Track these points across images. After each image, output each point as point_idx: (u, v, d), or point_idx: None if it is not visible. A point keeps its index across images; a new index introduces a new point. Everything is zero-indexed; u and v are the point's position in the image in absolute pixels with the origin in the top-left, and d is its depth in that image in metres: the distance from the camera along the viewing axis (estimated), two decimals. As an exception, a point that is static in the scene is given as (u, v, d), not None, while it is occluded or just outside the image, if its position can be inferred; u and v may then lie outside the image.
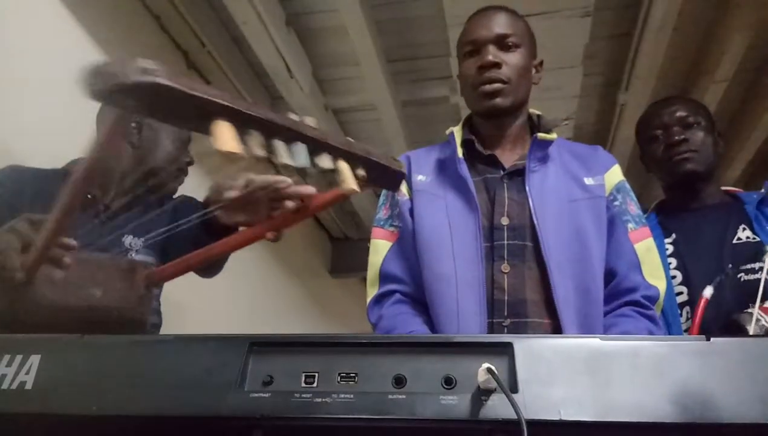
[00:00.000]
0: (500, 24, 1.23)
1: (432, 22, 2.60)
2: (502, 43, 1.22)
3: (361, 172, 0.72)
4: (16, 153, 1.52)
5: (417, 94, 3.07)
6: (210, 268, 1.38)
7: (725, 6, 2.53)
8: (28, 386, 0.60)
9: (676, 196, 1.62)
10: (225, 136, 0.59)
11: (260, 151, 0.63)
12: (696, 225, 1.51)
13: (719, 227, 1.48)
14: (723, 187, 1.62)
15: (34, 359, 0.62)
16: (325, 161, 0.69)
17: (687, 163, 1.52)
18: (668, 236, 1.53)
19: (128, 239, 1.35)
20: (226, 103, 0.60)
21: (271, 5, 2.38)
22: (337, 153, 0.70)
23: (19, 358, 0.62)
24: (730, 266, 1.38)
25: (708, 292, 1.24)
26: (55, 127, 1.59)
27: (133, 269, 0.87)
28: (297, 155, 0.66)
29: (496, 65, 1.20)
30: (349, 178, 0.70)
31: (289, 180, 0.88)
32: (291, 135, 0.66)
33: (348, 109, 3.21)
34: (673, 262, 1.49)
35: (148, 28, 2.40)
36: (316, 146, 0.68)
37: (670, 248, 1.51)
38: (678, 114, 1.57)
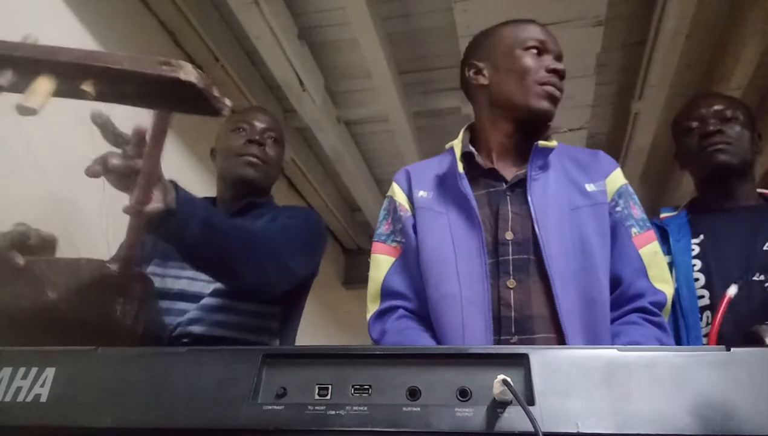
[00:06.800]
0: (557, 44, 1.27)
1: (443, 34, 2.61)
2: (560, 59, 1.26)
3: (89, 87, 0.59)
4: (19, 158, 1.54)
5: (429, 105, 3.07)
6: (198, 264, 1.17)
7: (738, 13, 2.51)
8: (44, 399, 0.60)
9: (709, 194, 1.56)
10: None
11: None
12: (726, 227, 1.45)
13: (750, 231, 1.41)
14: (759, 190, 1.55)
15: (49, 372, 0.62)
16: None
17: (720, 154, 1.47)
18: (696, 237, 1.47)
19: None
20: None
21: (283, 19, 2.40)
22: (31, 66, 0.59)
23: (34, 370, 0.62)
24: (758, 274, 1.32)
25: (732, 290, 1.18)
26: (61, 136, 1.60)
27: (104, 273, 0.81)
28: None
29: (562, 77, 1.23)
30: (32, 94, 0.58)
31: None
32: None
33: (360, 121, 3.22)
34: (698, 264, 1.42)
35: (163, 43, 2.43)
36: None
37: (696, 249, 1.45)
38: (716, 107, 1.53)
